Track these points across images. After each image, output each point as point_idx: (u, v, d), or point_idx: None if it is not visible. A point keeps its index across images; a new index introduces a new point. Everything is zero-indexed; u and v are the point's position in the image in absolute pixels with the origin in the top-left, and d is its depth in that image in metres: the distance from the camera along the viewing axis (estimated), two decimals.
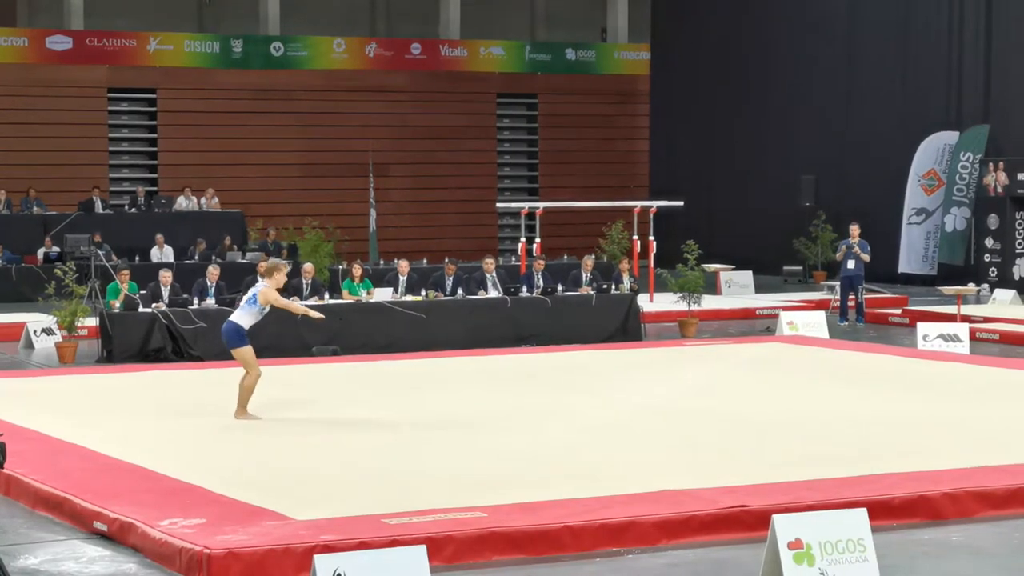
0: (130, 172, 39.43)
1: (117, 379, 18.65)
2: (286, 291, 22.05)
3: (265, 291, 14.67)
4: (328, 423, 14.82)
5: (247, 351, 14.69)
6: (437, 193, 41.24)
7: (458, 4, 42.20)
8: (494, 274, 23.73)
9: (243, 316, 14.73)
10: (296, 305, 15.38)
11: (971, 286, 29.82)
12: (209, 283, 21.96)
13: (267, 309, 14.83)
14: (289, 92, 39.89)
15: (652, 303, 27.60)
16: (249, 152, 39.47)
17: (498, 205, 38.27)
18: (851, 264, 26.04)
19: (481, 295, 23.40)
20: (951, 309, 25.43)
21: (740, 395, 16.76)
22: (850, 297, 26.26)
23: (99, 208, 34.41)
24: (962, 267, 32.64)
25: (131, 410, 15.79)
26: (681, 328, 24.36)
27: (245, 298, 14.90)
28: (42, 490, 11.50)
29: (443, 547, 9.66)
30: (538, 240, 28.48)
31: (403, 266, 23.59)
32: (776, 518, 9.12)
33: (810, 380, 18.21)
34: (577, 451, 13.14)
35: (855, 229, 26.34)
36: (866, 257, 26.07)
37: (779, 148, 37.88)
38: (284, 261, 17.54)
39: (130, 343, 20.93)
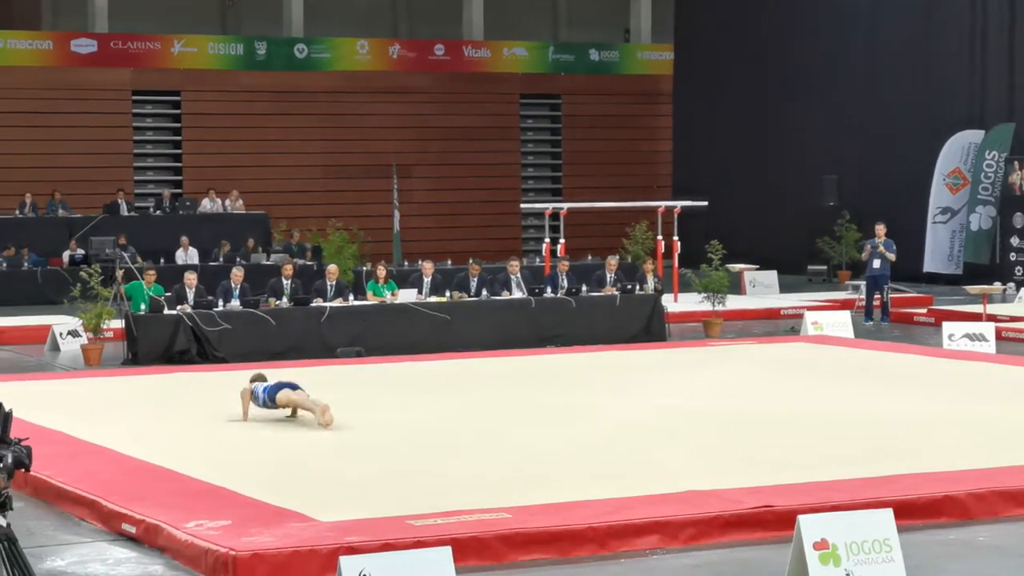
0: (155, 174, 39.52)
1: (142, 381, 18.70)
2: (310, 293, 22.15)
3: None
4: (352, 424, 14.82)
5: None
6: (460, 194, 41.25)
7: (481, 5, 42.21)
8: (518, 275, 23.72)
9: None
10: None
11: (997, 285, 29.72)
12: (234, 285, 21.99)
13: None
14: (312, 94, 39.94)
15: (676, 303, 27.57)
16: (273, 154, 39.51)
17: (522, 206, 38.26)
18: (876, 264, 25.96)
19: (505, 296, 23.39)
20: (977, 308, 25.34)
21: (765, 395, 16.73)
22: (876, 297, 26.19)
23: (124, 211, 34.51)
24: (988, 266, 32.54)
25: (156, 412, 15.83)
26: (706, 328, 24.33)
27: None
28: (68, 492, 11.55)
29: (468, 548, 9.67)
30: (562, 241, 28.46)
31: (427, 267, 23.59)
32: (802, 518, 9.10)
33: (835, 380, 18.17)
34: (601, 451, 13.14)
35: (881, 229, 26.27)
36: (892, 256, 25.99)
37: (803, 147, 37.79)
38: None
39: (155, 345, 20.98)
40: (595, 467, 12.32)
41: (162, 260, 31.28)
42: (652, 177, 42.63)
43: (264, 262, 30.78)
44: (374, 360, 20.65)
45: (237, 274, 22.23)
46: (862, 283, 27.19)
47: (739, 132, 39.73)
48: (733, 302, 26.70)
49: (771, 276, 32.25)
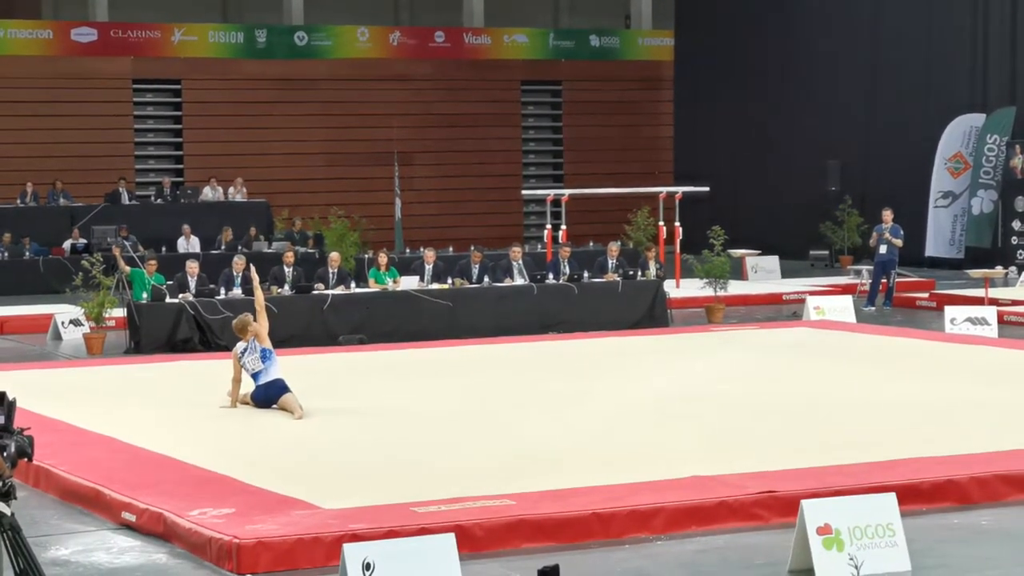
0: (156, 163, 39.50)
1: (145, 370, 18.70)
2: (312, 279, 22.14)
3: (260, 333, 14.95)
4: (355, 412, 14.84)
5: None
6: (462, 181, 41.24)
7: None
8: (520, 262, 23.72)
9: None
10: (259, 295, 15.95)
11: (999, 269, 29.68)
12: (235, 273, 21.99)
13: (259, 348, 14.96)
14: (313, 81, 39.92)
15: (678, 289, 27.56)
16: (274, 142, 39.50)
17: (523, 192, 38.25)
18: (883, 249, 25.95)
19: (507, 283, 23.39)
20: (979, 292, 25.33)
21: (767, 380, 16.73)
22: (882, 281, 26.17)
23: (125, 199, 34.49)
24: (989, 250, 32.53)
25: (159, 401, 15.84)
26: (708, 314, 24.33)
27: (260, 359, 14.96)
28: (71, 481, 11.55)
29: (472, 535, 9.67)
30: (564, 227, 28.45)
31: (429, 254, 23.59)
32: (805, 503, 9.11)
33: (838, 365, 18.17)
34: (605, 438, 13.14)
35: (888, 214, 26.23)
36: (898, 242, 25.95)
37: (804, 132, 37.76)
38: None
39: (158, 334, 20.98)
40: (598, 453, 12.33)
41: (164, 249, 31.26)
42: (653, 163, 42.59)
43: (266, 250, 30.76)
44: (376, 348, 20.65)
45: (239, 262, 22.21)
46: (865, 268, 27.13)
47: (741, 118, 39.69)
48: (735, 287, 26.70)
49: (773, 261, 32.24)
